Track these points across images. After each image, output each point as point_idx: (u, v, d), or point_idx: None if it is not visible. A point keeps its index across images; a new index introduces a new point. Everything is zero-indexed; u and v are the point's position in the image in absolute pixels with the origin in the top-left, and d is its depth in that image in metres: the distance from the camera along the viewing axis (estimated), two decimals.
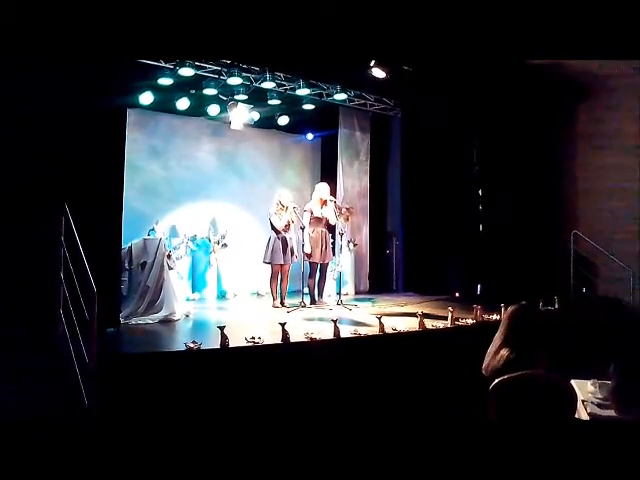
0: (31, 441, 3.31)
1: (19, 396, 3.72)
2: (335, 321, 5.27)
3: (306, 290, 7.54)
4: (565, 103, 9.03)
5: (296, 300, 7.37)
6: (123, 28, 5.28)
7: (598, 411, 2.94)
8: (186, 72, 7.33)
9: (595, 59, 8.49)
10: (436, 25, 6.62)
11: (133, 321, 5.90)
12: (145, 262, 6.15)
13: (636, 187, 8.73)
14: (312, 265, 7.58)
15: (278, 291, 7.47)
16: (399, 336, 5.59)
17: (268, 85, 8.18)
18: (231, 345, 4.63)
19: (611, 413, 2.80)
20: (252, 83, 8.16)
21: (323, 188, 7.68)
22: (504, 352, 2.18)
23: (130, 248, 6.19)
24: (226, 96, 8.37)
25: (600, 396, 3.03)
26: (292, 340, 4.94)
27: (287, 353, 4.87)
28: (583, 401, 3.05)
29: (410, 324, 5.91)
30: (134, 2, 5.29)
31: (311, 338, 5.07)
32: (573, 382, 3.11)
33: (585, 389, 3.18)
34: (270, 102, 8.65)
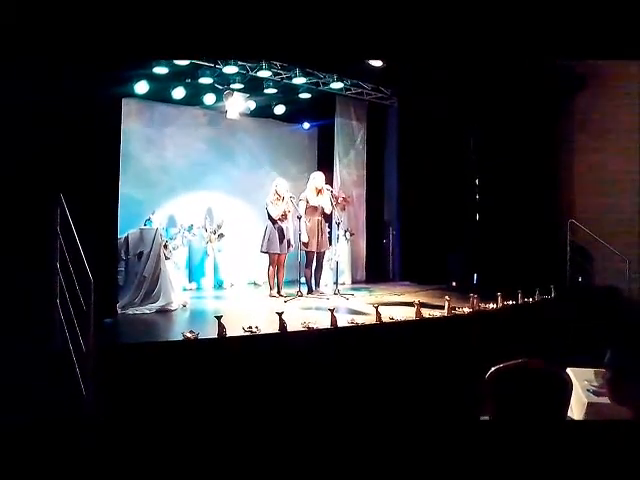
0: (28, 431, 3.32)
1: (15, 387, 3.72)
2: (332, 310, 5.27)
3: (303, 280, 7.54)
4: (563, 92, 8.99)
5: (293, 290, 7.37)
6: (114, 25, 5.22)
7: (594, 399, 2.97)
8: (181, 61, 7.27)
9: (597, 59, 8.42)
10: (432, 15, 6.58)
11: (130, 311, 5.89)
12: (142, 252, 6.14)
13: (634, 176, 8.72)
14: (308, 254, 7.56)
15: (275, 281, 7.47)
16: (396, 325, 5.60)
17: (264, 74, 8.13)
18: (228, 335, 4.62)
19: (606, 400, 2.82)
20: (248, 72, 8.10)
21: (318, 177, 7.67)
22: None
23: (127, 238, 6.17)
24: (222, 85, 8.31)
25: (596, 384, 3.06)
26: (289, 329, 4.94)
27: (284, 342, 4.88)
28: (581, 389, 3.08)
29: (407, 313, 5.92)
30: None
31: (308, 327, 5.07)
32: (570, 370, 3.13)
33: (582, 377, 3.20)
34: (266, 91, 8.58)
